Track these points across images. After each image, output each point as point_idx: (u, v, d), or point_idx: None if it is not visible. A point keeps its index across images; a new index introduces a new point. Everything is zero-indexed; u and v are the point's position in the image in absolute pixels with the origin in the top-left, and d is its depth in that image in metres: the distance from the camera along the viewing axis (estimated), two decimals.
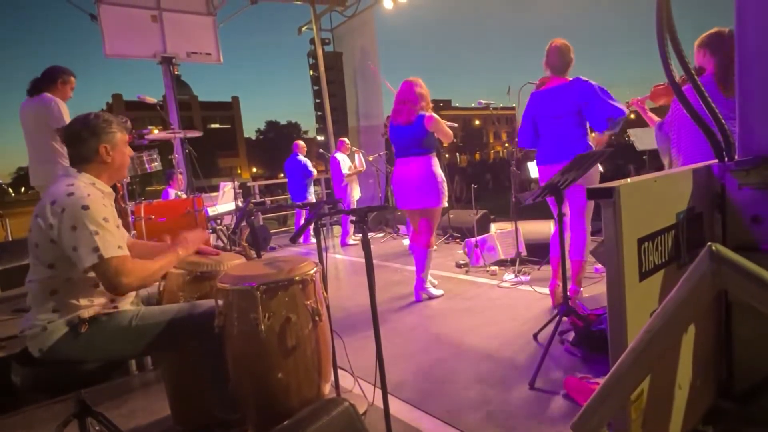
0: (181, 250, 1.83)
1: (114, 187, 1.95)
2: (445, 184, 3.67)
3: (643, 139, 5.29)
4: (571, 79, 3.09)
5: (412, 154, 3.64)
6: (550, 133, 3.17)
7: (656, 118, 3.01)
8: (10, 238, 6.33)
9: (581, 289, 3.20)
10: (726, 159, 1.66)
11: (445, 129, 3.64)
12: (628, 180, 1.36)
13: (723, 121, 1.65)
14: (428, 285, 3.81)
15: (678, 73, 1.65)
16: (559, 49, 3.09)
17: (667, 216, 1.48)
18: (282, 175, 9.78)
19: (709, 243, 0.78)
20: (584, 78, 3.03)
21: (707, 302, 0.83)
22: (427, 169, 3.60)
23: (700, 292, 0.76)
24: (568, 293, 2.63)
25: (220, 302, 1.74)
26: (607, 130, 3.00)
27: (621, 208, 1.24)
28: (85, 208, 1.57)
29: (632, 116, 3.44)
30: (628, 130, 5.63)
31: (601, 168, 5.13)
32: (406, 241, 5.90)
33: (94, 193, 1.66)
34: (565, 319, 2.52)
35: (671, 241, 1.48)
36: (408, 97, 3.64)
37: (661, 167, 3.08)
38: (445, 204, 3.70)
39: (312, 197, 7.10)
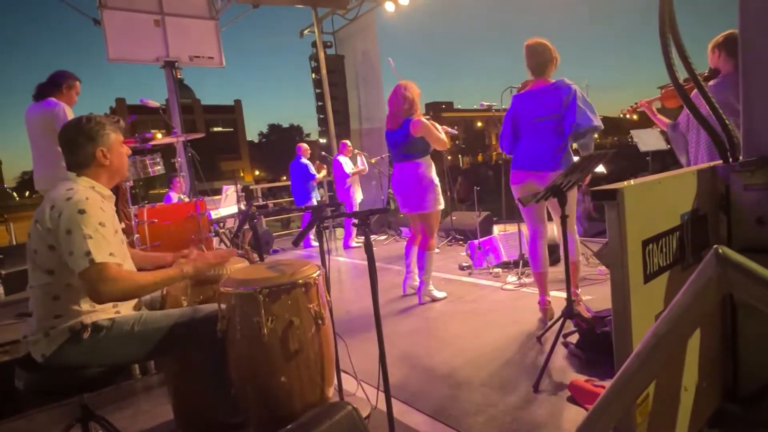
0: (186, 268, 1.74)
1: (118, 191, 1.95)
2: (437, 189, 3.65)
3: (646, 141, 5.27)
4: (553, 81, 2.92)
5: (403, 159, 3.67)
6: (529, 136, 3.00)
7: (666, 120, 2.98)
8: (14, 242, 6.35)
9: (578, 291, 3.17)
10: (731, 160, 1.65)
11: (435, 135, 3.56)
12: (632, 182, 1.35)
13: (727, 122, 1.65)
14: (431, 287, 3.80)
15: (683, 74, 1.65)
16: (532, 49, 2.92)
17: (672, 217, 1.47)
18: (285, 177, 9.79)
19: (715, 246, 0.77)
20: (567, 81, 2.86)
21: (714, 305, 0.82)
22: (416, 175, 3.61)
23: (706, 295, 0.75)
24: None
25: (223, 306, 1.73)
26: (570, 136, 2.84)
27: (625, 210, 1.23)
28: (82, 212, 1.56)
29: (635, 117, 3.41)
30: (630, 131, 5.61)
31: (604, 169, 5.10)
32: None
33: (92, 196, 1.65)
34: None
35: (676, 243, 1.47)
36: (392, 102, 3.67)
37: (662, 170, 3.06)
38: (440, 207, 3.68)
39: (314, 200, 7.11)
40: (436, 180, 3.67)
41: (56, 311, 1.63)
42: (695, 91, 1.72)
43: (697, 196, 1.57)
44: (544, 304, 3.07)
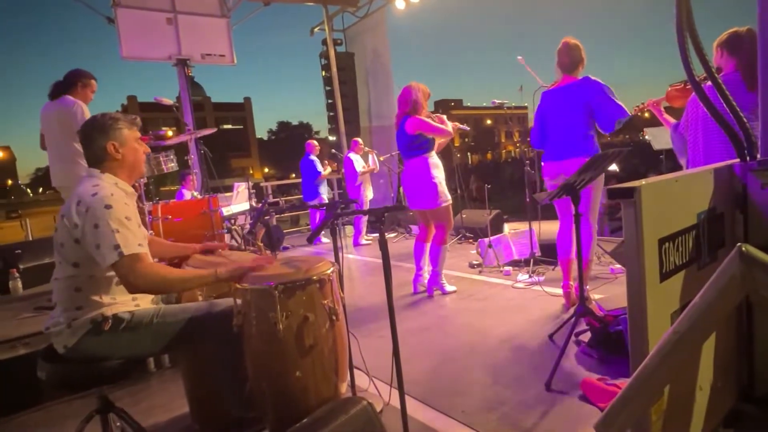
0: (221, 270, 1.73)
1: (132, 187, 1.98)
2: (441, 185, 3.70)
3: (660, 139, 5.23)
4: (580, 78, 3.12)
5: (408, 156, 3.81)
6: (557, 129, 3.18)
7: (672, 120, 2.98)
8: (31, 238, 6.45)
9: (587, 287, 3.18)
10: (748, 158, 1.64)
11: (433, 127, 3.67)
12: (643, 181, 1.34)
13: (745, 120, 1.63)
14: (443, 281, 3.83)
15: (697, 71, 1.64)
16: (569, 47, 3.12)
17: (688, 216, 1.46)
18: (294, 175, 9.83)
19: (739, 244, 0.76)
20: (593, 78, 3.05)
21: (736, 304, 0.82)
22: (419, 171, 3.71)
23: (729, 293, 0.75)
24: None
25: (239, 301, 1.75)
26: (612, 131, 3.07)
27: (642, 208, 1.23)
28: (108, 207, 1.61)
29: (647, 115, 3.41)
30: (644, 129, 5.57)
31: (616, 168, 5.06)
32: None
33: (117, 192, 1.70)
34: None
35: (692, 242, 1.46)
36: (399, 101, 3.82)
37: (675, 168, 3.06)
38: (445, 203, 3.71)
39: (324, 197, 7.15)
40: (438, 177, 3.71)
41: (78, 303, 1.67)
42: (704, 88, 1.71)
43: (713, 195, 1.56)
44: (568, 288, 3.21)
